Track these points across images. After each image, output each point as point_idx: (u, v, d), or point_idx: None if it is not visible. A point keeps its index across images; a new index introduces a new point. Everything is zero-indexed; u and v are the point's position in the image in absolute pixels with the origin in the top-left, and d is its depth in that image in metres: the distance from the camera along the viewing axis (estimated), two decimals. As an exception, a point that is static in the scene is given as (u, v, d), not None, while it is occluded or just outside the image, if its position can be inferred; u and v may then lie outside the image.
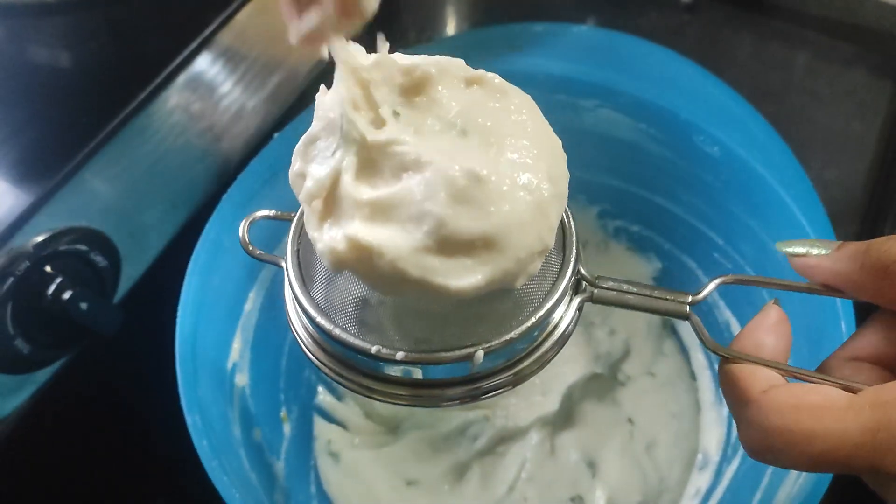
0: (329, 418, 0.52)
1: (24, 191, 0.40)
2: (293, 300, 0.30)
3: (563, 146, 0.29)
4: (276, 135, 0.48)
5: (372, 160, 0.26)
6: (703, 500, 0.47)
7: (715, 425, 0.50)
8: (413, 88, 0.28)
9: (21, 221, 0.39)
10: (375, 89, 0.27)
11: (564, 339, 0.30)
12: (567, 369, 0.52)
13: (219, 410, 0.42)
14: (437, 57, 0.28)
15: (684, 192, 0.51)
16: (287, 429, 0.50)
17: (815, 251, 0.28)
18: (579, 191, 0.57)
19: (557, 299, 0.29)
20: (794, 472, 0.38)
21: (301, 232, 0.31)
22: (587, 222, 0.58)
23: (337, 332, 0.28)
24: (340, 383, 0.30)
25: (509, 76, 0.51)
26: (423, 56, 0.28)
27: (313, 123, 0.28)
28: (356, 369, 0.29)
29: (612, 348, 0.54)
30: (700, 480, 0.48)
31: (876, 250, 0.27)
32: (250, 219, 0.33)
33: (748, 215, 0.48)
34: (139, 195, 0.46)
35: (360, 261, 0.25)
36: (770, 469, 0.41)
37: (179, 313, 0.40)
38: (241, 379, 0.46)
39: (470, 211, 0.25)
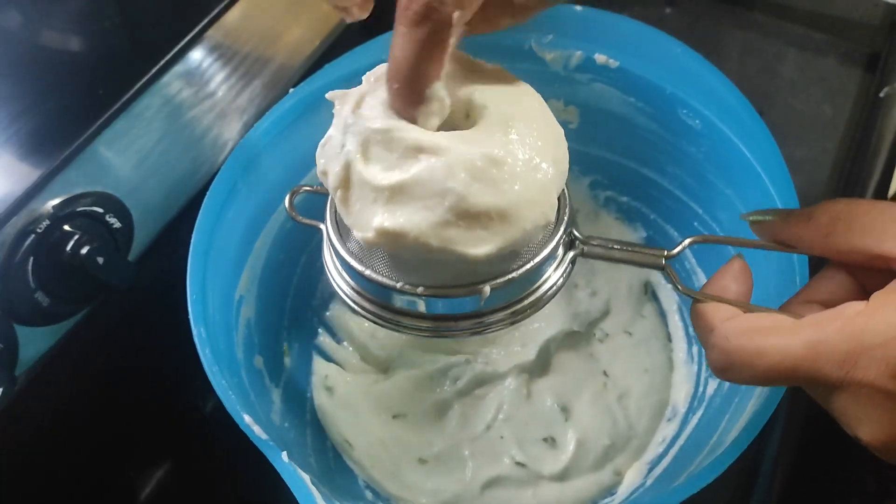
0: (327, 358, 0.57)
1: (42, 158, 0.43)
2: (332, 252, 0.35)
3: (561, 120, 0.34)
4: (291, 90, 0.52)
5: (381, 145, 0.30)
6: (668, 446, 0.51)
7: (685, 381, 0.54)
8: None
9: (41, 185, 0.42)
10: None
11: (558, 287, 0.35)
12: (545, 325, 0.56)
13: (224, 333, 0.46)
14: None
15: (669, 163, 0.55)
16: (287, 362, 0.54)
17: (770, 217, 0.33)
18: (574, 162, 0.59)
19: (552, 249, 0.34)
20: (742, 419, 0.42)
21: None
22: (579, 192, 0.61)
23: (368, 272, 0.33)
24: (376, 322, 0.35)
25: (503, 50, 0.55)
26: None
27: (330, 129, 0.33)
28: (389, 308, 0.35)
29: (592, 308, 0.57)
30: (667, 430, 0.52)
31: (819, 212, 0.31)
32: (294, 191, 0.41)
33: (725, 185, 0.51)
34: (149, 168, 0.49)
35: (389, 242, 0.30)
36: (727, 415, 0.45)
37: (194, 238, 0.43)
38: (247, 311, 0.50)
39: (487, 188, 0.29)
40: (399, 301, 0.34)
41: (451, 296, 0.32)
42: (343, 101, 0.32)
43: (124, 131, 0.47)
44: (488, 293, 0.32)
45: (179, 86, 0.51)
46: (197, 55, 0.52)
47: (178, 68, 0.50)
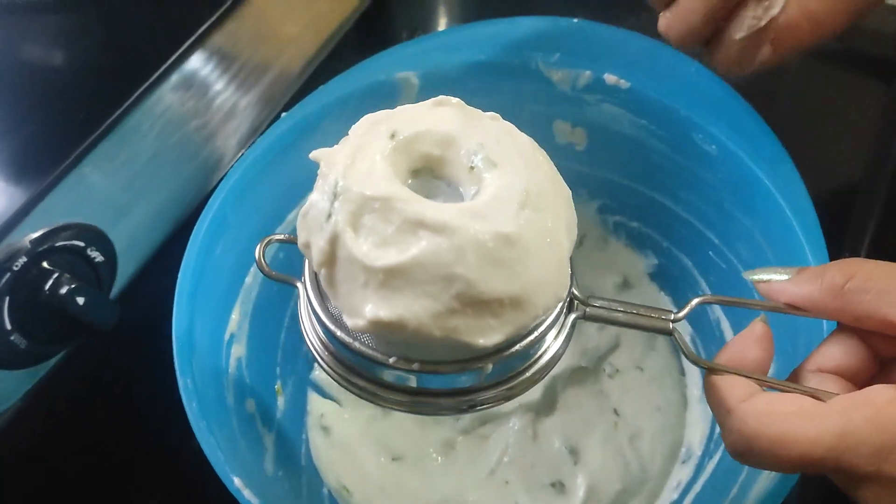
0: (323, 394, 0.54)
1: (20, 187, 0.40)
2: (310, 315, 0.32)
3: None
4: (283, 114, 0.49)
5: (377, 214, 0.26)
6: (684, 492, 0.48)
7: (700, 421, 0.51)
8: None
9: (18, 217, 0.40)
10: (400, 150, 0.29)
11: (558, 356, 0.33)
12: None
13: (213, 378, 0.43)
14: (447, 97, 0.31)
15: (682, 189, 0.52)
16: (281, 402, 0.51)
17: (776, 277, 0.31)
18: (581, 185, 0.57)
19: (555, 318, 0.31)
20: (766, 476, 0.39)
21: None
22: (587, 216, 0.58)
23: (357, 345, 0.30)
24: (349, 390, 0.32)
25: (509, 70, 0.52)
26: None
27: (313, 194, 0.29)
28: (365, 377, 0.31)
29: (601, 341, 0.55)
30: (682, 473, 0.49)
31: (831, 273, 0.29)
32: (265, 242, 0.35)
33: (743, 214, 0.48)
34: (135, 192, 0.47)
35: (383, 332, 0.27)
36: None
37: (179, 278, 0.41)
38: (238, 350, 0.47)
39: (499, 271, 0.26)
40: (386, 375, 0.31)
41: (448, 372, 0.29)
42: (330, 163, 0.28)
43: (105, 158, 0.44)
44: (490, 369, 0.29)
45: (167, 104, 0.48)
46: (188, 69, 0.49)
47: (165, 87, 0.47)
